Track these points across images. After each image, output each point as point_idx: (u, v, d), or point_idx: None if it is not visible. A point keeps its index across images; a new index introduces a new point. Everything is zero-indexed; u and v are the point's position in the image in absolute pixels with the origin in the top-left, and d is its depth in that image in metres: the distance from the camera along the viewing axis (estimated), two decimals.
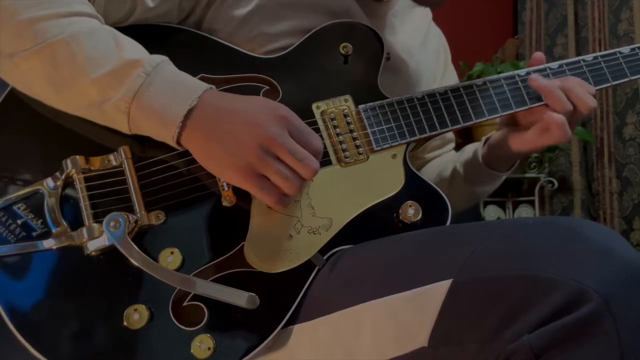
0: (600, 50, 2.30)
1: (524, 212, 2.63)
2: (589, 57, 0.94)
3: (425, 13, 1.14)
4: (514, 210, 2.69)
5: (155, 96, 0.71)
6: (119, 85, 0.70)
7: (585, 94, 0.88)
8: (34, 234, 0.71)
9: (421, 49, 1.07)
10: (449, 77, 1.17)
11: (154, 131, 0.73)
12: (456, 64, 2.74)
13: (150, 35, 0.81)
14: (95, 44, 0.71)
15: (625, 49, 0.95)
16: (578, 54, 2.79)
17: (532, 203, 2.69)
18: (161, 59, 0.73)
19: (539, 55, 0.94)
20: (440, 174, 1.10)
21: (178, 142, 0.72)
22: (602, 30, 2.68)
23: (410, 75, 1.02)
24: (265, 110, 0.72)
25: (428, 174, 1.14)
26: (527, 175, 2.65)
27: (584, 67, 0.93)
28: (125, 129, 0.73)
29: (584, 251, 0.59)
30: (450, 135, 1.19)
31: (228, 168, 0.71)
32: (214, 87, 0.75)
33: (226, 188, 0.76)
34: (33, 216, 0.71)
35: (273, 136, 0.70)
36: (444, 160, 1.15)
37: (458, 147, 1.17)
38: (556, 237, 0.62)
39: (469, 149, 1.06)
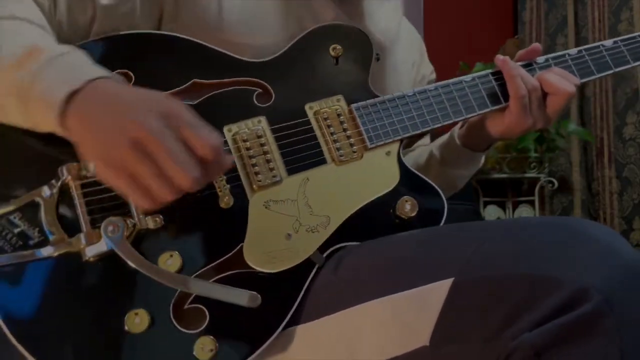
0: None
1: (524, 212, 2.63)
2: (573, 51, 0.96)
3: (397, 7, 1.13)
4: (514, 210, 2.68)
5: (45, 81, 0.67)
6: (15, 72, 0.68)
7: (560, 80, 0.90)
8: (31, 242, 0.70)
9: (397, 38, 1.07)
10: (426, 66, 1.17)
11: (43, 117, 0.67)
12: (456, 64, 2.76)
13: (139, 43, 0.81)
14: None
15: (608, 42, 0.98)
16: None
17: (532, 203, 2.69)
18: (67, 49, 0.70)
19: (536, 46, 0.95)
20: (416, 161, 1.10)
21: (64, 127, 0.66)
22: (602, 30, 2.69)
23: (389, 64, 1.02)
24: (150, 102, 0.65)
25: None
26: (527, 175, 2.65)
27: (569, 60, 0.95)
28: (20, 122, 0.70)
29: (587, 250, 0.60)
30: None
31: (98, 160, 0.64)
32: (121, 78, 0.70)
33: (223, 189, 0.76)
34: (29, 225, 0.70)
35: (148, 132, 0.61)
36: (419, 150, 1.15)
37: None
38: (559, 236, 0.63)
39: (445, 135, 1.07)
